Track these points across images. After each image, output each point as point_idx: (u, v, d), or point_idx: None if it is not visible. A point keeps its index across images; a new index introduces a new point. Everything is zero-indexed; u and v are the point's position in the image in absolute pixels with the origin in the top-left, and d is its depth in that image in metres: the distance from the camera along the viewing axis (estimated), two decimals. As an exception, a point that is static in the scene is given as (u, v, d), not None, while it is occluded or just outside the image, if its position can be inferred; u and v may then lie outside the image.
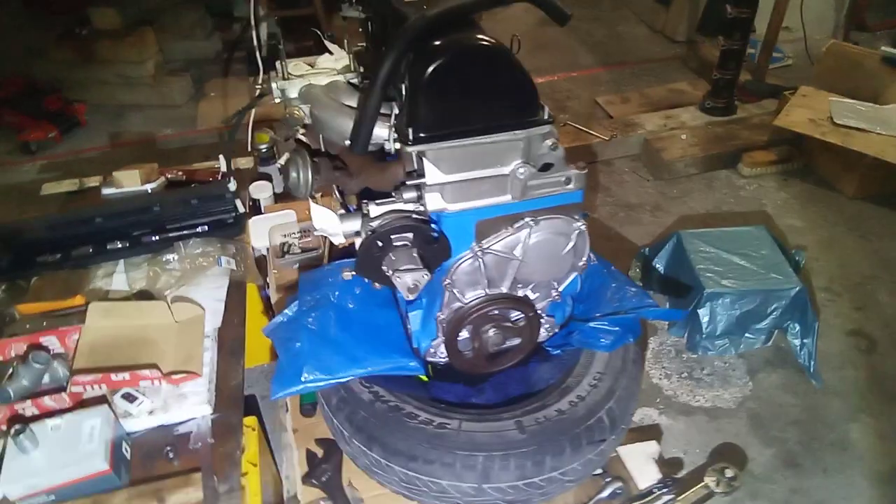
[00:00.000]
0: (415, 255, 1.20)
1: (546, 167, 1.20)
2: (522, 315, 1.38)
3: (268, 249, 2.13)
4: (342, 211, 1.32)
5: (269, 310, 2.23)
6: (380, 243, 1.18)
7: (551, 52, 4.99)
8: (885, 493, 1.78)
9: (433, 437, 1.29)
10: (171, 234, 1.90)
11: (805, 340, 2.20)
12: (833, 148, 3.29)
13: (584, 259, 1.38)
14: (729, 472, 1.48)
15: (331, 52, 1.36)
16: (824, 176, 3.52)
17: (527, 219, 1.24)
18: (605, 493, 1.42)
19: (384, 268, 1.21)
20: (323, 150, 1.35)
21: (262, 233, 2.14)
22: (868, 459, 1.94)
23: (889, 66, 3.52)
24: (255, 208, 2.30)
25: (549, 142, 1.17)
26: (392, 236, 1.17)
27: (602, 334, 1.50)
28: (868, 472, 1.88)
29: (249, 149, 2.80)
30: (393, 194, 1.22)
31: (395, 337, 1.49)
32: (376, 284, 1.47)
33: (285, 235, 2.16)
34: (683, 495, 1.43)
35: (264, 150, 2.58)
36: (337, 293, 1.58)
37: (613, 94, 4.61)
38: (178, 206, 1.91)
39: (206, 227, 1.94)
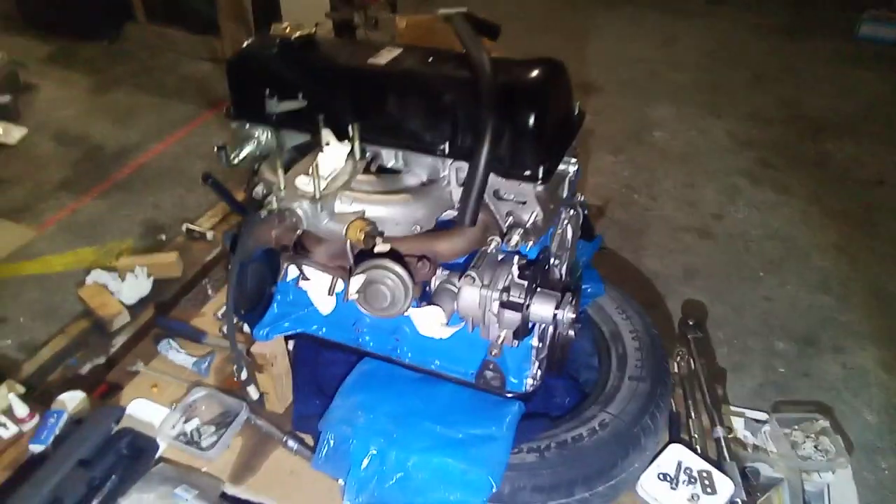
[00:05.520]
0: (540, 290, 1.17)
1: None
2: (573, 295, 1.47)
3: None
4: (429, 304, 1.17)
5: None
6: (525, 300, 1.11)
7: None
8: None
9: (617, 436, 1.32)
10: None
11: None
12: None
13: (576, 223, 1.53)
14: (690, 321, 1.94)
15: (322, 149, 1.08)
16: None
17: (570, 211, 1.33)
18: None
19: (533, 320, 1.15)
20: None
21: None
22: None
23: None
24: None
25: (574, 133, 1.26)
26: (535, 287, 1.12)
27: (590, 287, 1.71)
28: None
29: None
30: (488, 250, 1.15)
31: (484, 399, 1.41)
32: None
33: (174, 426, 1.64)
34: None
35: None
36: (387, 407, 1.38)
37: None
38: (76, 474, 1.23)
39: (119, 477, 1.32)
